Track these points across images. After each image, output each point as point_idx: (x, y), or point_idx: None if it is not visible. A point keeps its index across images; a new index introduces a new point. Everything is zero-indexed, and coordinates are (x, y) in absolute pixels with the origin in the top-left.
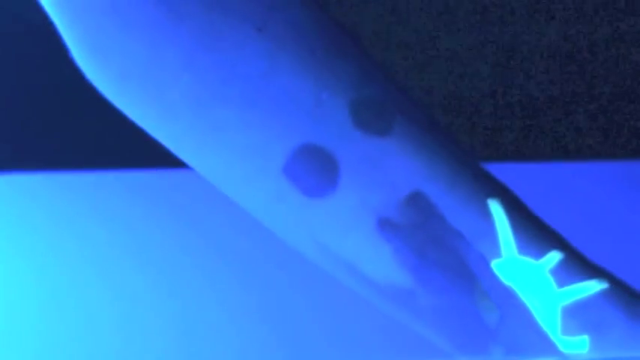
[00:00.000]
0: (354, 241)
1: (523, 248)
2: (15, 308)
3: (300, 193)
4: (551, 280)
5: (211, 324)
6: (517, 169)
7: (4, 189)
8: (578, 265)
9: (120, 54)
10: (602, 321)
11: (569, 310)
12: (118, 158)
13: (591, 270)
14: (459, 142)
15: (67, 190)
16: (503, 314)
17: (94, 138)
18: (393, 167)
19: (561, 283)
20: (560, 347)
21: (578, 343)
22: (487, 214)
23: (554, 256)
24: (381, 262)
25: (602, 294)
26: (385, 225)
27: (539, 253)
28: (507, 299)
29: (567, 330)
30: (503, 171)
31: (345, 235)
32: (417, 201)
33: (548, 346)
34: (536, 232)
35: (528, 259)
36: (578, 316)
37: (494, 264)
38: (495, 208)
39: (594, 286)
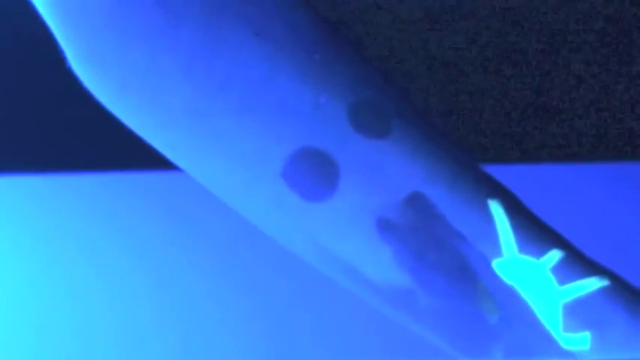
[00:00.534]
0: (354, 244)
1: (523, 248)
2: (15, 309)
3: (299, 197)
4: (552, 278)
5: (210, 326)
6: (517, 170)
7: (3, 190)
8: (579, 263)
9: (118, 63)
10: (603, 318)
11: (570, 307)
12: (117, 160)
13: (592, 268)
14: (457, 143)
15: (67, 191)
16: (505, 313)
17: (94, 139)
18: (392, 169)
19: (562, 282)
20: (562, 344)
21: (580, 340)
22: (487, 215)
23: (555, 255)
24: (380, 264)
25: (602, 291)
26: (385, 227)
27: (540, 252)
28: (509, 298)
29: (569, 327)
30: (502, 173)
31: (344, 237)
32: (416, 202)
33: (549, 343)
34: (536, 231)
35: (529, 258)
36: (579, 313)
37: (495, 263)
38: (495, 208)
39: (595, 284)
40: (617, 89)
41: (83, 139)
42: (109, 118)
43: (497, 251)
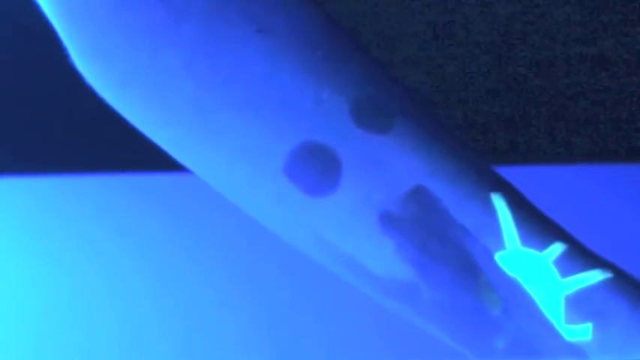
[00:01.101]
0: (357, 238)
1: (526, 240)
2: (18, 312)
3: (302, 192)
4: (555, 270)
5: (213, 326)
6: (516, 170)
7: (5, 192)
8: (581, 255)
9: (121, 58)
10: (605, 310)
11: (572, 299)
12: (119, 161)
13: (594, 260)
14: (460, 137)
15: (69, 192)
16: (508, 306)
17: (96, 141)
18: (395, 164)
19: (565, 274)
20: (564, 336)
21: (582, 331)
22: (490, 208)
23: (557, 248)
24: (383, 258)
25: (605, 283)
26: (387, 221)
27: (543, 245)
28: (511, 291)
29: (571, 319)
30: (502, 173)
31: (347, 232)
32: (419, 196)
33: (552, 335)
34: (538, 224)
35: (532, 251)
36: (581, 305)
37: (498, 256)
38: (498, 201)
39: (597, 276)
40: (619, 91)
41: (86, 141)
42: (111, 119)
43: (500, 244)
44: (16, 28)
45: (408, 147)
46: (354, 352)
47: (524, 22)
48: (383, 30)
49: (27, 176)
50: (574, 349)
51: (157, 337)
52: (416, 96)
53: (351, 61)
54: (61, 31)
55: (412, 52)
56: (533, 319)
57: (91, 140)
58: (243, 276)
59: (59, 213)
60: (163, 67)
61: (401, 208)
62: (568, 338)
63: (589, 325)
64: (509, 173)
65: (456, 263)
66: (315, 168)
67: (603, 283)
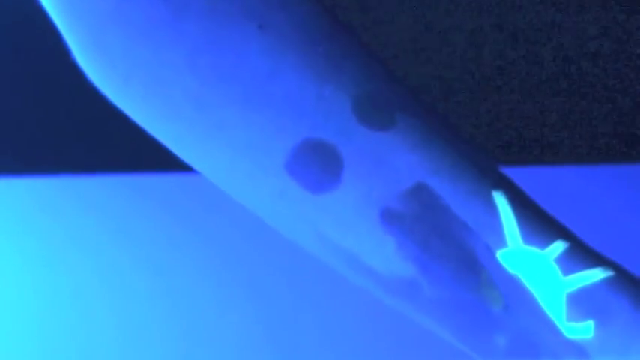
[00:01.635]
0: (358, 235)
1: (528, 238)
2: (19, 313)
3: (303, 188)
4: (557, 268)
5: (214, 327)
6: (515, 171)
7: (5, 192)
8: (583, 253)
9: (123, 55)
10: (606, 308)
11: (574, 297)
12: (120, 161)
13: (596, 259)
14: (462, 135)
15: (69, 193)
16: (509, 303)
17: (96, 141)
18: (397, 161)
19: (566, 272)
20: (566, 333)
21: (583, 329)
22: (492, 206)
23: (559, 246)
24: (385, 255)
25: (606, 281)
26: (389, 218)
27: (544, 243)
28: (513, 288)
29: (572, 316)
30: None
31: (349, 229)
32: (420, 194)
33: (553, 333)
34: (540, 222)
35: (533, 249)
36: (582, 302)
37: (500, 254)
38: (500, 199)
39: (599, 274)
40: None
41: (86, 141)
42: (112, 119)
43: (501, 242)
44: (17, 25)
45: (409, 144)
46: (354, 352)
47: (527, 20)
48: (383, 25)
49: (27, 176)
50: (575, 346)
51: (157, 337)
52: (417, 93)
53: (353, 58)
54: (62, 27)
55: (413, 49)
56: (535, 316)
57: (91, 140)
58: (244, 276)
59: (59, 213)
60: (165, 64)
61: (402, 205)
62: (569, 336)
63: (590, 323)
64: (510, 173)
65: (458, 261)
66: (317, 165)
67: (605, 281)
